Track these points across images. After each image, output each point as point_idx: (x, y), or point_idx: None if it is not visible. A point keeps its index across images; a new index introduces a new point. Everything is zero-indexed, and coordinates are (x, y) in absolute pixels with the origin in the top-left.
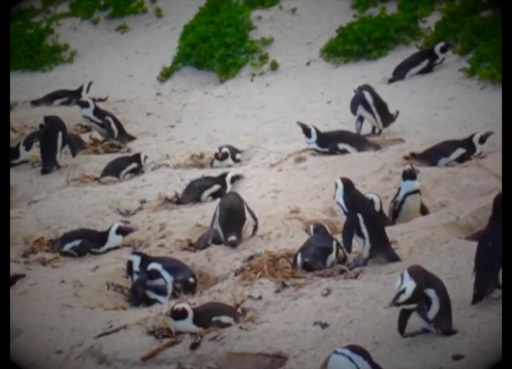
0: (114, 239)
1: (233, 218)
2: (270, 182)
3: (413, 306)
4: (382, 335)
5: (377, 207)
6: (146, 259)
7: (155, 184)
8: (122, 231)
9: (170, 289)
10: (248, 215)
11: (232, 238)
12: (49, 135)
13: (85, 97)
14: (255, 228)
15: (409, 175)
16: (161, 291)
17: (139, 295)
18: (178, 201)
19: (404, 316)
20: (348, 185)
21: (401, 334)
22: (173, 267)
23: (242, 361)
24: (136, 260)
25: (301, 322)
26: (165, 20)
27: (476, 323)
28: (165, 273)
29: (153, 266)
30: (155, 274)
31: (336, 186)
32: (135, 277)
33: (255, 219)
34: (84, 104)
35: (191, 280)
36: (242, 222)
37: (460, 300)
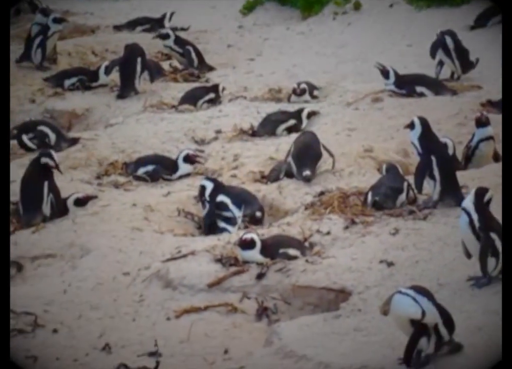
0: (183, 167)
1: (308, 154)
2: (346, 120)
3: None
4: (447, 278)
5: (450, 151)
6: (217, 188)
7: (231, 115)
8: (189, 159)
9: (238, 223)
10: (323, 152)
11: (307, 172)
12: (129, 60)
13: (166, 27)
14: (333, 163)
15: (482, 122)
16: (230, 221)
17: (210, 227)
18: (254, 133)
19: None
20: (425, 126)
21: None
22: (242, 200)
23: (306, 294)
24: (209, 187)
25: (367, 259)
26: None
27: None
28: (233, 207)
29: (222, 198)
30: (223, 207)
31: (413, 125)
32: (205, 204)
33: (332, 155)
34: (165, 36)
35: (258, 214)
36: (317, 158)
37: None
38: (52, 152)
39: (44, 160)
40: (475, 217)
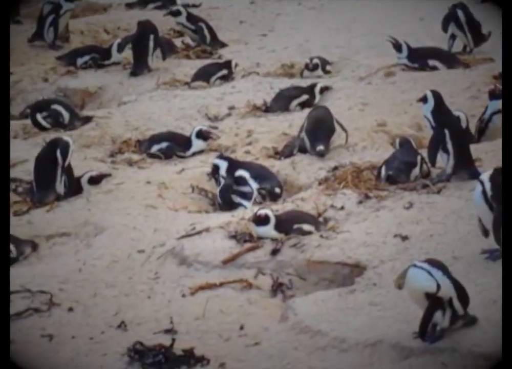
0: (196, 143)
1: (322, 129)
2: (358, 95)
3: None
4: (461, 251)
5: (463, 125)
6: (233, 165)
7: (244, 91)
8: (202, 135)
9: (254, 195)
10: (336, 127)
11: (320, 147)
12: (142, 37)
13: (177, 4)
14: (346, 138)
15: (495, 94)
16: (246, 196)
17: (225, 200)
18: (267, 109)
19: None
20: (438, 99)
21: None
22: (261, 175)
23: (321, 269)
24: (223, 165)
25: (381, 234)
26: None
27: None
28: (252, 182)
29: (240, 173)
30: (242, 181)
31: (426, 98)
32: (222, 181)
33: (345, 130)
34: (176, 13)
35: (277, 190)
36: (331, 133)
37: None
38: (70, 149)
39: (58, 153)
40: (488, 185)
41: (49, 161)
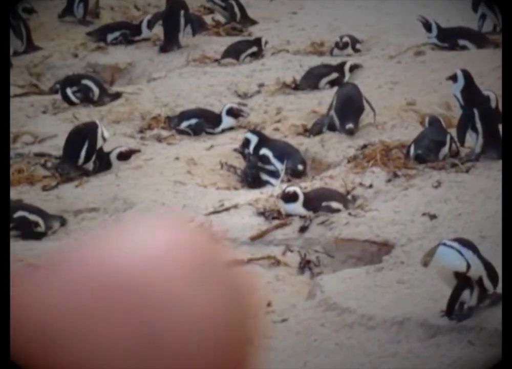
0: (226, 120)
1: (351, 107)
2: (388, 74)
3: None
4: (489, 230)
5: (493, 104)
6: (261, 141)
7: (274, 68)
8: (232, 112)
9: (281, 176)
10: (365, 105)
11: (350, 125)
12: (172, 14)
13: None
14: (374, 117)
15: None
16: (273, 174)
17: (252, 177)
18: (296, 86)
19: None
20: (468, 79)
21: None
22: (284, 154)
23: (349, 247)
24: (254, 140)
25: (410, 212)
26: None
27: None
28: (275, 161)
29: (264, 151)
30: (266, 160)
31: (456, 77)
32: (248, 156)
33: (373, 109)
34: None
35: (300, 167)
36: (360, 111)
37: None
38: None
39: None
40: None
41: (80, 133)
